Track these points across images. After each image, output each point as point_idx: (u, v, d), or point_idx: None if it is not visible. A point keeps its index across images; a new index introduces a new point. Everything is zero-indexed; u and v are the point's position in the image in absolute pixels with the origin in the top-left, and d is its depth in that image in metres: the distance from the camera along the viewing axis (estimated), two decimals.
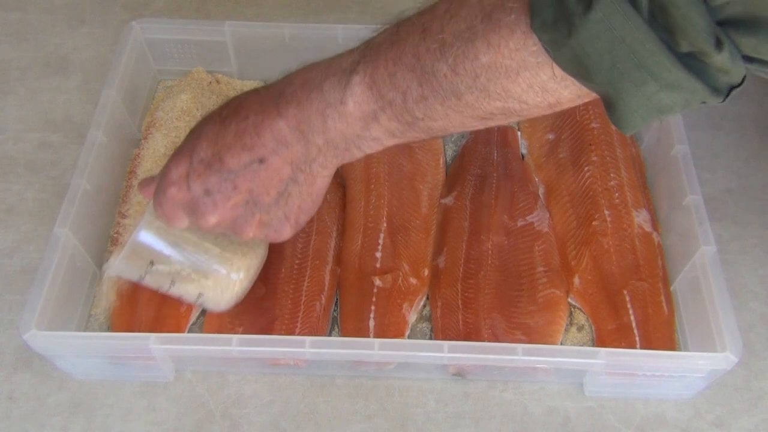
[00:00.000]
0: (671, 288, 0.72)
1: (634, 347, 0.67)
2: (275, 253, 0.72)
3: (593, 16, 0.40)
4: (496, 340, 0.67)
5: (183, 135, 0.78)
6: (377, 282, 0.70)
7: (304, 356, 0.63)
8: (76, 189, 0.69)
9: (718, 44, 0.39)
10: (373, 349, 0.61)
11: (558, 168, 0.79)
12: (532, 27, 0.43)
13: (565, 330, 0.70)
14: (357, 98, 0.50)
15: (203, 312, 0.71)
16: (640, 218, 0.74)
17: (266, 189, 0.54)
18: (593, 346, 0.69)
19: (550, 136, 0.82)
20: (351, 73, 0.50)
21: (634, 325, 0.68)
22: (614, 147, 0.78)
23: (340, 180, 0.79)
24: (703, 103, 0.44)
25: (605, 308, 0.70)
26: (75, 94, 0.89)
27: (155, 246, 0.59)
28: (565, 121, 0.81)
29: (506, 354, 0.61)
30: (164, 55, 0.86)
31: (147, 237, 0.59)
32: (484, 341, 0.67)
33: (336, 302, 0.72)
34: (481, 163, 0.80)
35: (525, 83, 0.45)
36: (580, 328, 0.71)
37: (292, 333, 0.67)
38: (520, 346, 0.61)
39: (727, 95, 0.43)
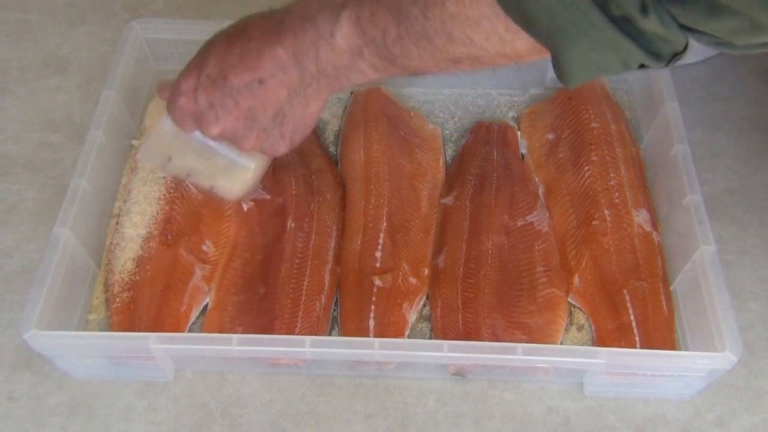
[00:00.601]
0: (671, 288, 0.72)
1: (634, 347, 0.67)
2: (275, 252, 0.72)
3: None
4: (496, 339, 0.67)
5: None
6: (377, 282, 0.70)
7: (304, 356, 0.63)
8: (76, 189, 0.69)
9: (644, 9, 0.43)
10: (373, 349, 0.61)
11: (558, 168, 0.79)
12: None
13: (565, 330, 0.70)
14: (344, 32, 0.54)
15: (203, 312, 0.71)
16: (640, 218, 0.74)
17: (264, 108, 0.60)
18: (593, 345, 0.69)
19: (550, 136, 0.82)
20: (341, 9, 0.54)
21: (634, 324, 0.68)
22: (614, 147, 0.78)
23: (340, 180, 0.79)
24: (643, 66, 0.48)
25: (605, 308, 0.70)
26: (75, 94, 0.89)
27: (174, 140, 0.66)
28: (565, 121, 0.81)
29: (506, 354, 0.61)
30: (164, 55, 0.86)
31: (170, 128, 0.65)
32: (484, 341, 0.67)
33: (336, 302, 0.72)
34: (481, 162, 0.80)
35: (485, 32, 0.50)
36: (580, 328, 0.71)
37: (292, 333, 0.67)
38: (519, 346, 0.61)
39: (670, 62, 0.48)
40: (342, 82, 0.58)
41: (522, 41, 0.49)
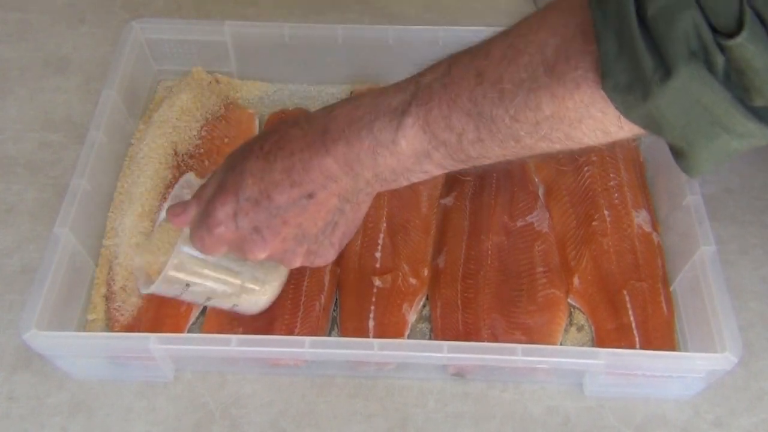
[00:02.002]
0: (671, 288, 0.72)
1: (633, 347, 0.67)
2: None
3: (672, 84, 0.40)
4: (496, 340, 0.67)
5: (182, 135, 0.78)
6: (377, 282, 0.70)
7: (304, 356, 0.63)
8: (76, 189, 0.69)
9: None
10: (372, 350, 0.61)
11: (558, 168, 0.79)
12: (603, 87, 0.43)
13: (565, 330, 0.70)
14: (410, 139, 0.51)
15: (203, 312, 0.71)
16: (640, 218, 0.74)
17: (314, 221, 0.56)
18: (593, 346, 0.69)
19: None
20: (403, 114, 0.50)
21: (633, 325, 0.68)
22: (614, 147, 0.78)
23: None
24: None
25: (605, 308, 0.70)
26: (75, 94, 0.89)
27: (189, 273, 0.61)
28: None
29: (506, 354, 0.61)
30: (164, 55, 0.86)
31: (181, 267, 0.60)
32: (483, 341, 0.67)
33: (336, 302, 0.72)
34: None
35: (587, 129, 0.46)
36: (580, 328, 0.71)
37: (291, 333, 0.67)
38: (519, 347, 0.61)
39: None
40: (400, 182, 0.55)
41: (631, 132, 0.46)
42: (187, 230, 0.59)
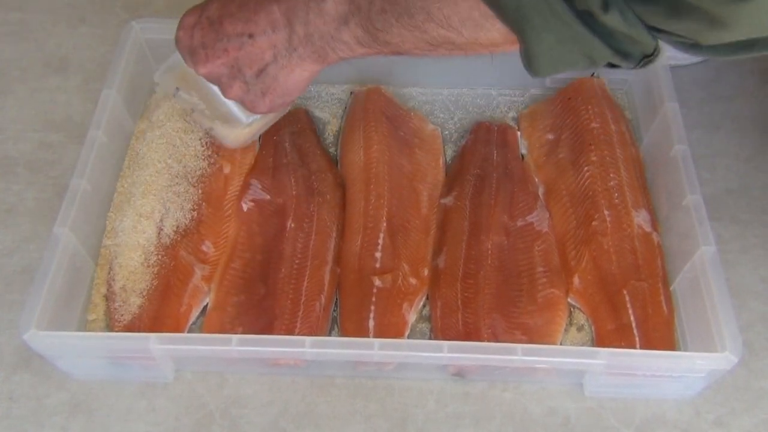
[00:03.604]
0: (671, 288, 0.72)
1: (633, 347, 0.67)
2: (275, 253, 0.72)
3: None
4: (496, 340, 0.67)
5: (182, 136, 0.78)
6: (377, 282, 0.70)
7: (304, 356, 0.63)
8: (76, 189, 0.69)
9: (605, 5, 0.45)
10: (372, 349, 0.61)
11: (558, 168, 0.79)
12: None
13: (565, 330, 0.70)
14: None
15: (203, 312, 0.71)
16: (640, 218, 0.74)
17: (249, 62, 0.62)
18: (593, 346, 0.69)
19: (550, 136, 0.82)
20: None
21: (633, 325, 0.68)
22: (614, 147, 0.78)
23: (340, 180, 0.79)
24: (614, 66, 0.50)
25: (605, 308, 0.70)
26: (75, 94, 0.90)
27: (181, 74, 0.71)
28: (565, 121, 0.81)
29: (506, 354, 0.61)
30: (164, 55, 0.85)
31: (179, 63, 0.69)
32: (483, 341, 0.67)
33: (336, 302, 0.72)
34: (481, 163, 0.80)
35: (462, 14, 0.51)
36: (580, 328, 0.71)
37: (292, 333, 0.67)
38: (519, 347, 0.61)
39: (641, 63, 0.49)
40: (327, 53, 0.59)
41: (496, 30, 0.51)
42: None
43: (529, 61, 0.50)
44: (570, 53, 0.48)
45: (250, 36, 0.61)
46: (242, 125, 0.73)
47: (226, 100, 0.70)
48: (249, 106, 0.66)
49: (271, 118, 0.74)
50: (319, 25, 0.58)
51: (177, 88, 0.73)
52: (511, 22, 0.49)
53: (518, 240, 0.74)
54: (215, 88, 0.68)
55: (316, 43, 0.59)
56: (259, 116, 0.72)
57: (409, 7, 0.53)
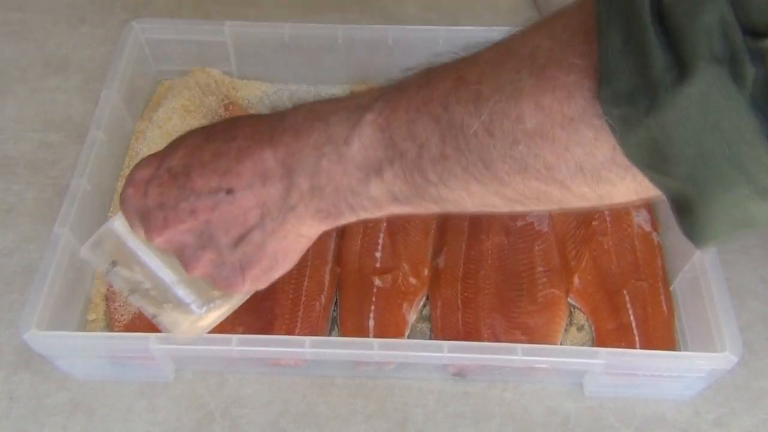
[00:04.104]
0: (671, 288, 0.72)
1: (633, 347, 0.67)
2: None
3: (687, 90, 0.30)
4: (496, 340, 0.67)
5: None
6: (377, 282, 0.70)
7: (304, 356, 0.63)
8: (76, 189, 0.69)
9: None
10: (372, 349, 0.61)
11: None
12: (598, 96, 0.34)
13: (565, 330, 0.70)
14: (364, 140, 0.42)
15: None
16: (640, 218, 0.74)
17: (226, 227, 0.47)
18: (593, 346, 0.69)
19: None
20: (365, 110, 0.43)
21: (633, 324, 0.68)
22: None
23: None
24: None
25: (605, 308, 0.70)
26: (75, 94, 0.89)
27: (122, 246, 0.54)
28: None
29: (506, 354, 0.61)
30: (164, 55, 0.86)
31: (118, 229, 0.54)
32: (483, 341, 0.67)
33: (336, 302, 0.72)
34: None
35: (573, 162, 0.36)
36: (580, 328, 0.71)
37: (292, 333, 0.67)
38: (520, 346, 0.61)
39: None
40: (341, 211, 0.45)
41: (626, 183, 0.37)
42: None
43: (695, 227, 0.37)
44: (756, 212, 0.35)
45: (229, 192, 0.45)
46: (198, 311, 0.55)
47: (176, 285, 0.54)
48: (221, 284, 0.50)
49: (238, 300, 0.56)
50: (336, 175, 0.43)
51: (113, 263, 0.54)
52: (679, 178, 0.34)
53: (518, 240, 0.74)
54: (163, 273, 0.53)
55: (326, 198, 0.44)
56: (218, 299, 0.54)
57: (486, 153, 0.38)
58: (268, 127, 0.46)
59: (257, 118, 0.48)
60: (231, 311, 0.56)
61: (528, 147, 0.37)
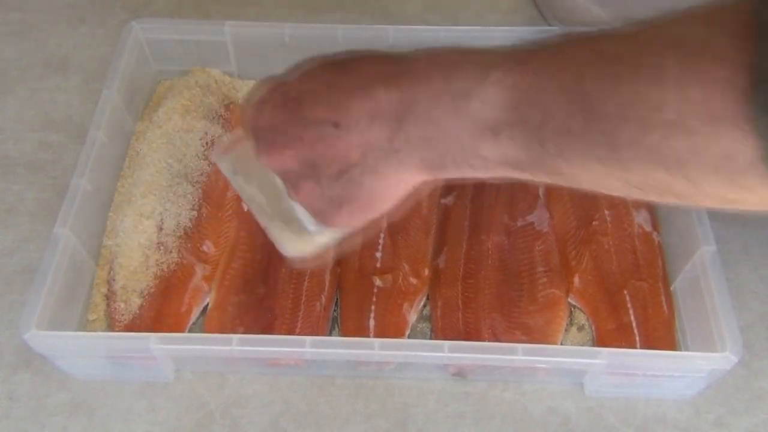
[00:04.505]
0: (671, 288, 0.72)
1: (634, 347, 0.67)
2: (275, 252, 0.72)
3: None
4: (496, 339, 0.67)
5: (182, 135, 0.78)
6: (377, 282, 0.70)
7: (304, 356, 0.63)
8: (76, 189, 0.69)
9: None
10: (373, 349, 0.61)
11: None
12: (751, 99, 0.32)
13: (565, 330, 0.70)
14: (486, 98, 0.40)
15: (203, 312, 0.71)
16: (640, 218, 0.74)
17: (328, 160, 0.46)
18: (593, 346, 0.69)
19: None
20: (491, 68, 0.41)
21: (634, 325, 0.68)
22: None
23: None
24: None
25: (605, 308, 0.70)
26: (75, 94, 0.89)
27: (239, 160, 0.56)
28: None
29: (506, 354, 0.61)
30: (164, 55, 0.86)
31: (230, 156, 0.56)
32: (484, 341, 0.67)
33: (336, 302, 0.72)
34: None
35: (710, 162, 0.34)
36: (580, 328, 0.71)
37: (292, 333, 0.67)
38: (520, 346, 0.61)
39: None
40: (446, 164, 0.44)
41: (761, 188, 0.35)
42: None
43: None
44: None
45: (335, 125, 0.45)
46: (307, 234, 0.55)
47: (293, 203, 0.54)
48: (319, 216, 0.51)
49: (345, 233, 0.56)
50: (448, 128, 0.42)
51: (236, 172, 0.57)
52: None
53: (519, 240, 0.74)
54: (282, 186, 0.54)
55: (432, 148, 0.43)
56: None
57: (615, 135, 0.36)
58: (384, 68, 0.45)
59: (375, 56, 0.47)
60: (337, 239, 0.56)
61: (663, 137, 0.35)
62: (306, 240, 0.56)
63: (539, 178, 0.42)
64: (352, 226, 0.51)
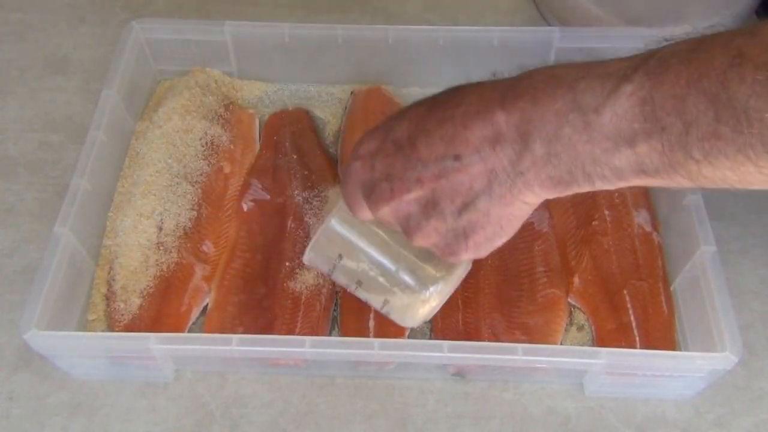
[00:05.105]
0: (671, 288, 0.72)
1: (634, 347, 0.67)
2: (275, 253, 0.72)
3: None
4: (496, 339, 0.67)
5: (182, 135, 0.78)
6: None
7: (304, 356, 0.63)
8: (76, 189, 0.69)
9: None
10: (373, 349, 0.61)
11: None
12: None
13: (565, 330, 0.70)
14: (619, 110, 0.41)
15: (203, 312, 0.71)
16: (640, 218, 0.74)
17: (452, 194, 0.47)
18: (593, 346, 0.69)
19: None
20: (622, 80, 0.41)
21: (634, 325, 0.68)
22: None
23: (340, 179, 0.79)
24: None
25: (605, 308, 0.70)
26: (75, 94, 0.89)
27: (346, 236, 0.55)
28: None
29: (506, 354, 0.61)
30: (164, 55, 0.86)
31: (339, 224, 0.55)
32: (484, 341, 0.67)
33: (336, 302, 0.72)
34: None
35: None
36: (580, 328, 0.71)
37: (292, 333, 0.67)
38: (520, 346, 0.61)
39: None
40: (576, 179, 0.44)
41: None
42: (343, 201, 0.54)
43: None
44: None
45: (456, 158, 0.45)
46: (426, 291, 0.56)
47: (401, 270, 0.55)
48: (444, 252, 0.50)
49: (459, 276, 0.57)
50: (578, 143, 0.42)
51: (339, 255, 0.56)
52: None
53: (518, 240, 0.73)
54: (385, 260, 0.55)
55: (561, 165, 0.43)
56: (441, 281, 0.56)
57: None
58: (498, 92, 0.45)
59: (482, 85, 0.47)
60: (453, 289, 0.57)
61: None
62: (429, 297, 0.56)
63: (678, 183, 0.42)
64: (479, 257, 0.51)
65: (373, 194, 0.50)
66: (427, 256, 0.55)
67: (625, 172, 0.43)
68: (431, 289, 0.56)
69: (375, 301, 0.59)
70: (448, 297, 0.58)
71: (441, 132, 0.46)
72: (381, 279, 0.56)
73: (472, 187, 0.46)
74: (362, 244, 0.55)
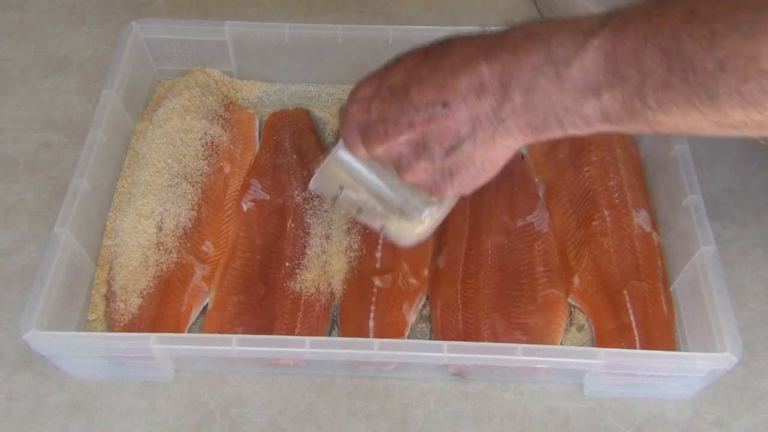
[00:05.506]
0: (671, 288, 0.72)
1: (633, 347, 0.67)
2: (275, 253, 0.72)
3: None
4: (496, 340, 0.67)
5: (182, 135, 0.78)
6: (377, 282, 0.70)
7: (304, 356, 0.63)
8: (76, 189, 0.69)
9: None
10: (372, 349, 0.61)
11: (558, 168, 0.79)
12: None
13: (565, 330, 0.70)
14: (587, 63, 0.45)
15: (203, 312, 0.71)
16: (640, 218, 0.74)
17: (440, 137, 0.51)
18: (593, 346, 0.69)
19: None
20: (589, 35, 0.45)
21: (633, 325, 0.68)
22: (614, 147, 0.78)
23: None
24: None
25: (605, 308, 0.70)
26: (75, 94, 0.90)
27: (348, 169, 0.60)
28: None
29: (506, 354, 0.61)
30: (164, 55, 0.86)
31: (342, 157, 0.59)
32: (483, 341, 0.67)
33: (336, 302, 0.72)
34: None
35: None
36: (580, 328, 0.71)
37: (292, 333, 0.67)
38: (520, 347, 0.61)
39: None
40: (549, 126, 0.48)
41: None
42: None
43: None
44: None
45: (444, 105, 0.50)
46: (421, 217, 0.61)
47: (397, 194, 0.60)
48: (430, 189, 0.56)
49: (447, 207, 0.62)
50: (551, 93, 0.46)
51: (341, 187, 0.61)
52: None
53: (518, 240, 0.74)
54: (383, 185, 0.60)
55: (537, 113, 0.48)
56: (434, 204, 0.61)
57: (713, 86, 0.40)
58: (483, 46, 0.49)
59: (470, 38, 0.51)
60: (443, 217, 0.62)
61: (759, 84, 0.39)
62: (421, 223, 0.61)
63: (638, 129, 0.46)
64: (464, 194, 0.57)
65: (368, 135, 0.54)
66: (417, 189, 0.59)
67: (592, 119, 0.47)
68: (425, 212, 0.61)
69: (374, 224, 0.64)
70: (439, 222, 0.62)
71: (432, 80, 0.50)
72: (379, 207, 0.61)
73: (459, 131, 0.51)
74: (363, 174, 0.60)
